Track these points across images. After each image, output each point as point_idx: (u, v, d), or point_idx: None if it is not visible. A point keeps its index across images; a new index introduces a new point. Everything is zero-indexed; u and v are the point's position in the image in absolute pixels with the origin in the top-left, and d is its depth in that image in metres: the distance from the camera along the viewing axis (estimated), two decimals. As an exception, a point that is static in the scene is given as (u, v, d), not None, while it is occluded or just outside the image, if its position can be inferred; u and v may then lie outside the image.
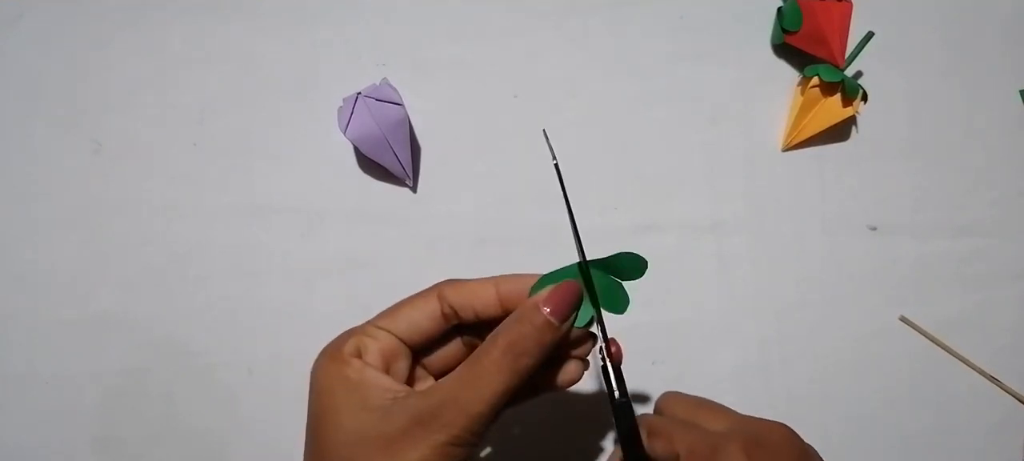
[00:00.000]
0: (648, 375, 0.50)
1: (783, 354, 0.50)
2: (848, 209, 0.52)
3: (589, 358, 0.36)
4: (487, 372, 0.30)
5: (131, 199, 0.50)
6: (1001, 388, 0.51)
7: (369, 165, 0.50)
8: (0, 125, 0.50)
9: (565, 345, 0.34)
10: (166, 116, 0.50)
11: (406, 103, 0.48)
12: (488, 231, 0.50)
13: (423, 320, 0.34)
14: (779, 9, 0.51)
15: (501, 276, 0.34)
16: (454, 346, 0.36)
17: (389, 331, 0.33)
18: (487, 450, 0.49)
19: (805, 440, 0.38)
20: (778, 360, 0.50)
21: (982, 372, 0.51)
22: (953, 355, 0.51)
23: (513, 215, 0.51)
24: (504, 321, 0.32)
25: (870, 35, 0.50)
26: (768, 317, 0.51)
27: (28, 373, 0.48)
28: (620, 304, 0.34)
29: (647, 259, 0.33)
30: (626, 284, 0.34)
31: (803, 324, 0.51)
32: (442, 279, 0.35)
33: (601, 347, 0.34)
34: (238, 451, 0.48)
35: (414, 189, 0.51)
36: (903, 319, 0.51)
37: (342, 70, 0.51)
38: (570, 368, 0.35)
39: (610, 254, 0.34)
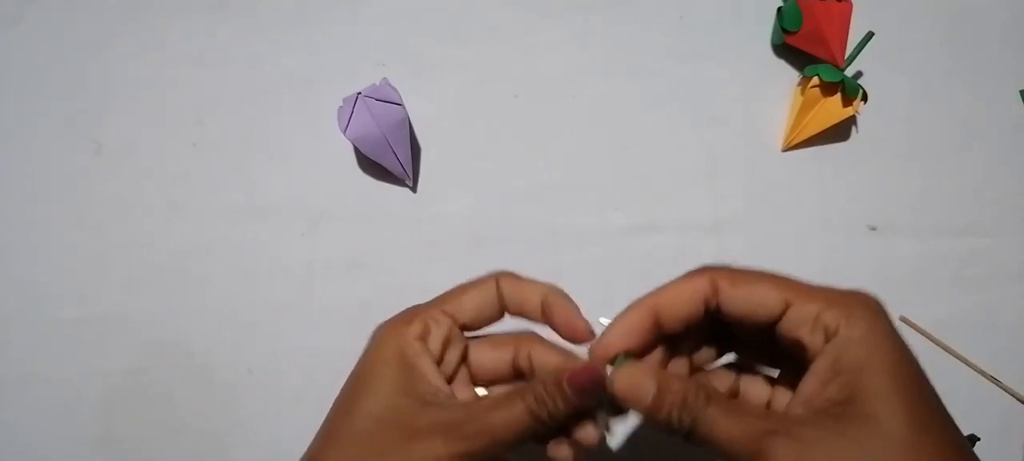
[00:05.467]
0: (648, 375, 0.50)
1: (783, 354, 0.50)
2: (848, 209, 0.52)
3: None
4: (514, 408, 0.31)
5: (131, 199, 0.50)
6: (1001, 388, 0.51)
7: (369, 165, 0.50)
8: (0, 125, 0.50)
9: (577, 416, 0.33)
10: (166, 116, 0.50)
11: (406, 103, 0.48)
12: (488, 231, 0.50)
13: (485, 309, 0.35)
14: (779, 9, 0.51)
15: (552, 290, 0.34)
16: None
17: (454, 318, 0.34)
18: None
19: None
20: (778, 360, 0.50)
21: (982, 372, 0.51)
22: (953, 355, 0.51)
23: (513, 215, 0.51)
24: (541, 375, 0.33)
25: (870, 35, 0.50)
26: (768, 317, 0.51)
27: (28, 373, 0.48)
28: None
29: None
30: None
31: (803, 324, 0.51)
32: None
33: None
34: (238, 451, 0.48)
35: (414, 189, 0.51)
36: (903, 319, 0.51)
37: (342, 70, 0.51)
38: (589, 431, 0.34)
39: None
